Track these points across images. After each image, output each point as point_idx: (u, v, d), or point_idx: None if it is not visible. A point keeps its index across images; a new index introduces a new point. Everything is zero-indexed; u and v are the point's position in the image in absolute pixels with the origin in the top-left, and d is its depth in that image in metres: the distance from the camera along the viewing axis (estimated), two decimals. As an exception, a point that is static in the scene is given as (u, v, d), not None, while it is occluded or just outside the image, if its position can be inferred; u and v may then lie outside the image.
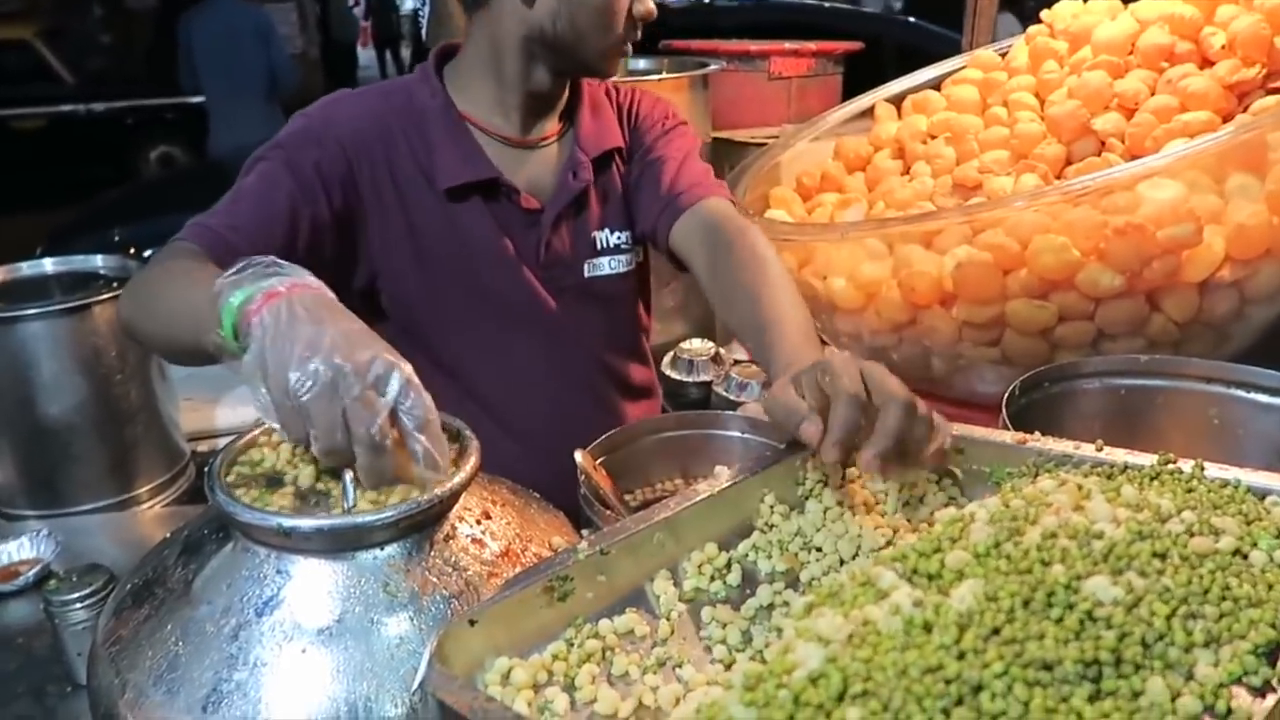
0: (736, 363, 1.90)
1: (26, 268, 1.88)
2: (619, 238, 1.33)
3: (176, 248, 1.09)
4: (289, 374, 0.73)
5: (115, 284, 1.75)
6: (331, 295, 0.82)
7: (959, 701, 0.48)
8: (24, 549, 1.33)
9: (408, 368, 0.77)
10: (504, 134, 1.26)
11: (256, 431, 0.89)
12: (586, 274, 1.31)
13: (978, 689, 0.48)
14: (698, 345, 1.93)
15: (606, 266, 1.33)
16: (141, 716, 0.73)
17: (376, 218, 1.21)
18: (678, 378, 1.87)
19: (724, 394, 1.79)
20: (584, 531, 1.00)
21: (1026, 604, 0.54)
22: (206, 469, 0.83)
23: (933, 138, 1.77)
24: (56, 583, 1.08)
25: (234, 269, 0.82)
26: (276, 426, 0.78)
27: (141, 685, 0.74)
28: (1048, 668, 0.49)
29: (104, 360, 1.67)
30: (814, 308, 1.63)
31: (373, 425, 0.73)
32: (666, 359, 1.92)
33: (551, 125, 1.30)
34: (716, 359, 1.91)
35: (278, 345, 0.75)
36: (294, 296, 0.78)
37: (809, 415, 0.79)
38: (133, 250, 2.00)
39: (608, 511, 1.01)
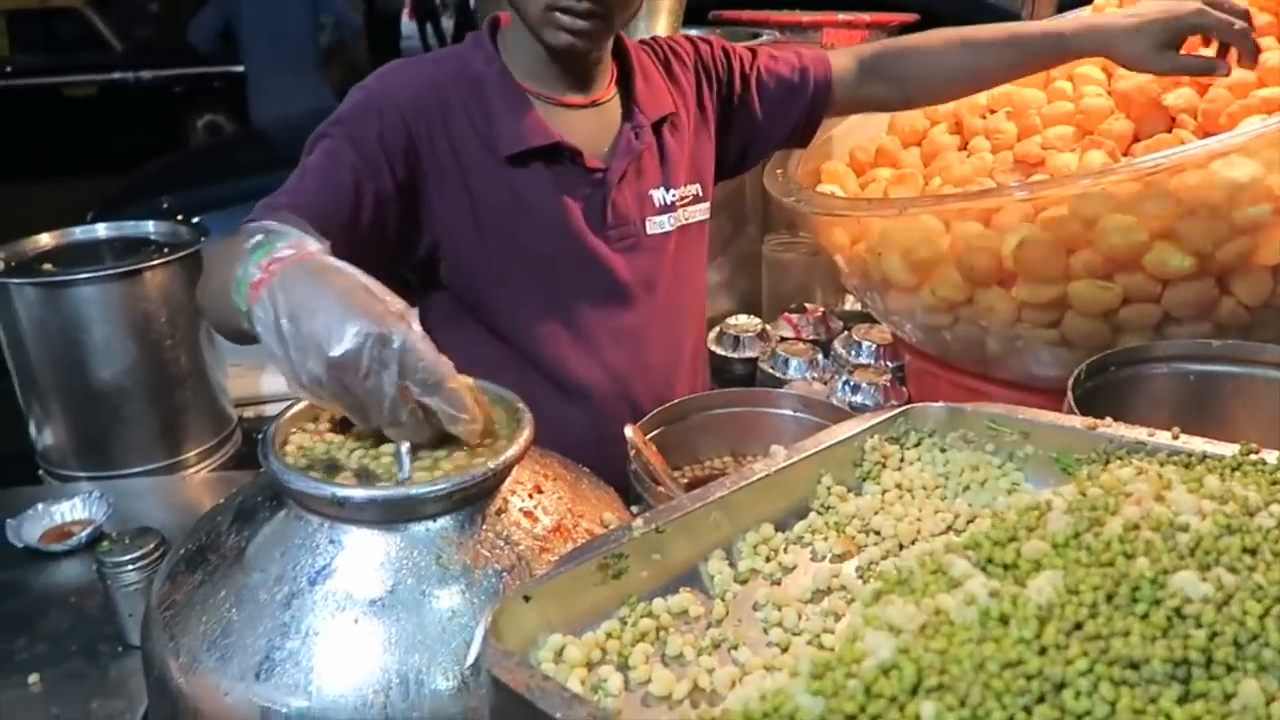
0: (783, 340, 1.87)
1: (79, 233, 1.89)
2: (672, 195, 1.33)
3: (242, 230, 1.08)
4: (299, 375, 0.77)
5: (166, 249, 1.76)
6: (315, 257, 0.82)
7: (1040, 699, 0.46)
8: (76, 510, 1.35)
9: (401, 335, 0.76)
10: (558, 97, 1.26)
11: (308, 403, 0.89)
12: (649, 231, 1.31)
13: (1060, 686, 0.46)
14: (744, 321, 1.91)
15: (666, 224, 1.33)
16: (195, 681, 0.74)
17: (437, 186, 1.20)
18: (723, 353, 1.85)
19: (770, 370, 1.77)
20: (633, 508, 0.98)
21: (1110, 598, 0.51)
22: (260, 437, 0.83)
23: (992, 112, 1.72)
24: (109, 544, 1.09)
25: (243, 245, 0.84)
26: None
27: (195, 650, 0.74)
28: (1134, 666, 0.47)
29: (154, 325, 1.68)
30: (866, 285, 1.60)
31: (383, 408, 0.76)
32: (712, 334, 1.90)
33: (602, 87, 1.30)
34: (763, 335, 1.88)
35: (277, 340, 0.77)
36: (274, 282, 0.79)
37: None
38: (180, 217, 2.01)
39: (659, 488, 1.00)
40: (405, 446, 0.77)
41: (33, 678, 1.03)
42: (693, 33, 2.56)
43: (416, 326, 0.78)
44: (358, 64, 7.06)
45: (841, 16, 2.91)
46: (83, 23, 7.73)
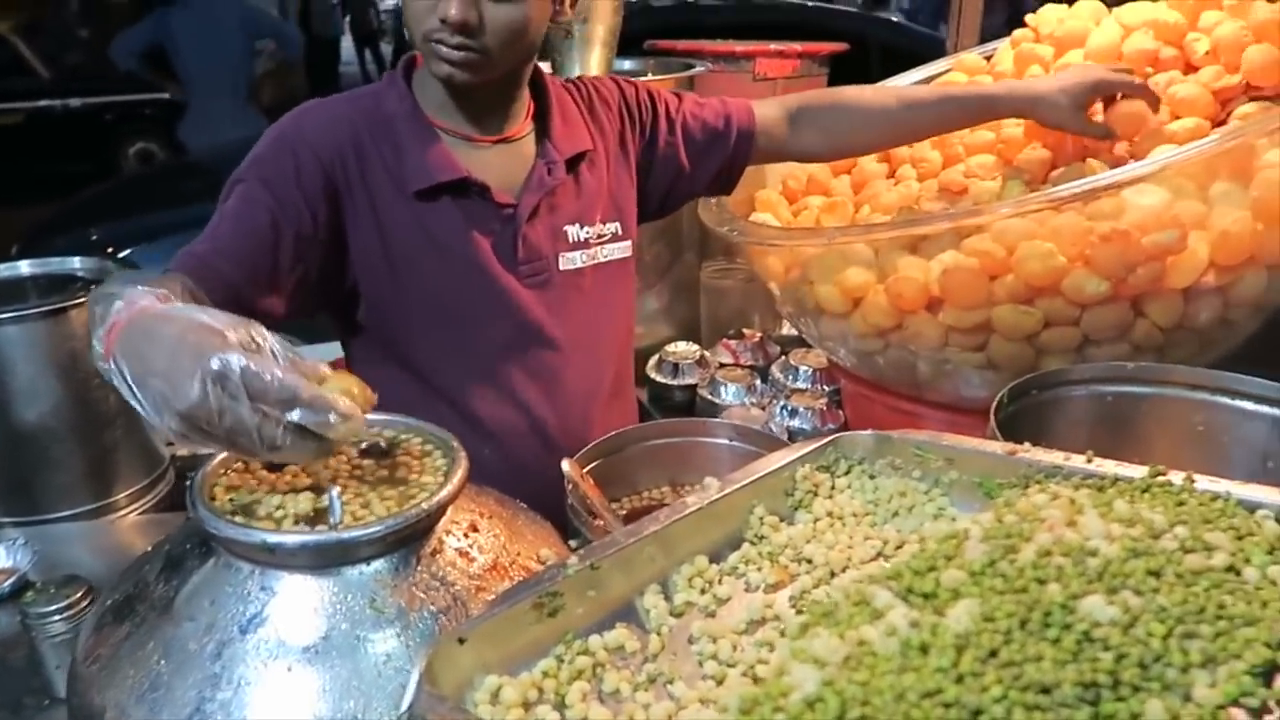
0: (722, 366, 1.89)
1: (2, 270, 1.84)
2: (586, 232, 1.34)
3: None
4: (166, 430, 0.77)
5: (93, 286, 1.72)
6: (147, 312, 0.82)
7: (957, 727, 0.47)
8: (0, 558, 1.31)
9: (237, 363, 0.74)
10: (468, 133, 1.26)
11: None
12: (561, 266, 1.31)
13: (977, 713, 0.48)
14: (683, 348, 1.93)
15: (579, 260, 1.33)
16: (123, 736, 0.72)
17: (353, 222, 1.21)
18: (662, 380, 1.87)
19: (709, 397, 1.79)
20: (572, 542, 0.99)
21: (1024, 624, 0.53)
22: (188, 484, 0.82)
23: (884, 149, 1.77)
24: (34, 594, 1.06)
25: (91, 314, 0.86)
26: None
27: (123, 704, 0.73)
28: (1046, 691, 0.49)
29: (81, 364, 1.64)
30: (800, 312, 1.63)
31: (254, 440, 0.74)
32: (651, 362, 1.91)
33: (516, 124, 1.30)
34: (702, 362, 1.90)
35: (136, 403, 0.79)
36: (115, 350, 0.80)
37: None
38: (110, 250, 1.96)
39: (596, 521, 1.00)
40: (335, 490, 0.77)
41: (-47, 735, 1.00)
42: (626, 64, 2.60)
43: (266, 343, 0.77)
44: (295, 90, 6.98)
45: (773, 46, 2.97)
46: (8, 49, 7.54)
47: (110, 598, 0.82)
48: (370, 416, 0.94)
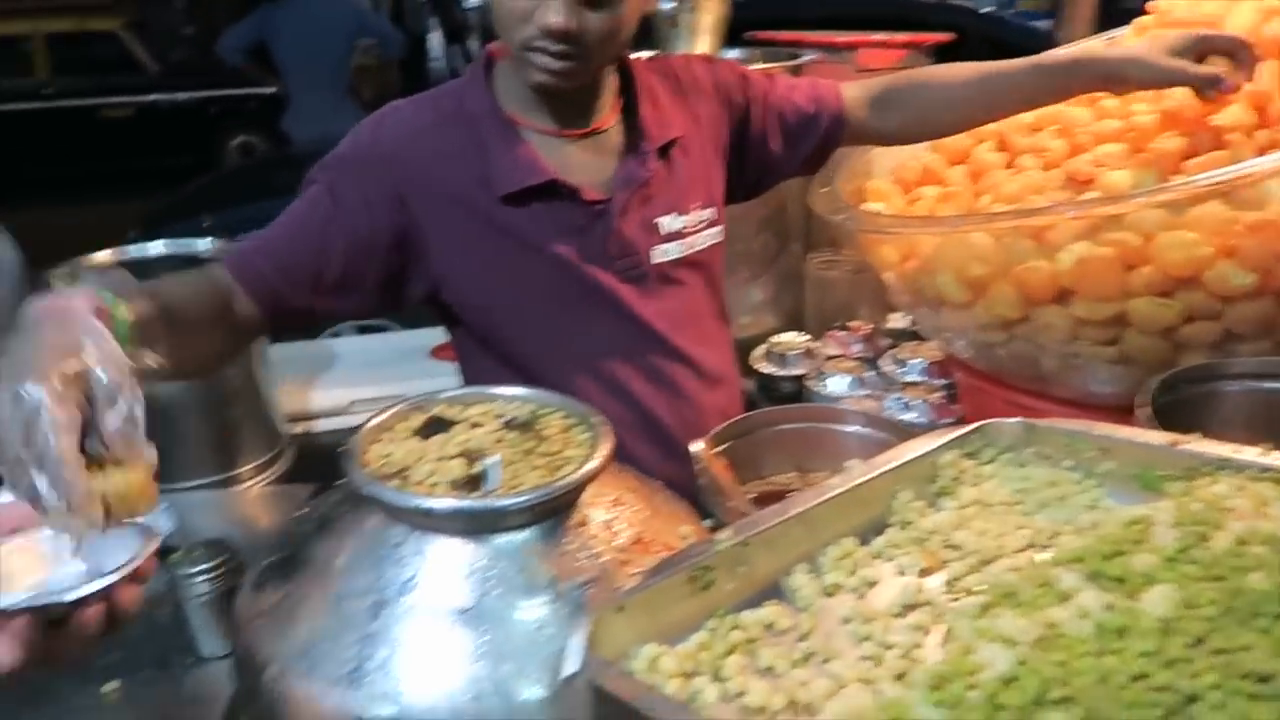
0: (830, 357, 1.87)
1: (134, 250, 1.93)
2: (681, 221, 1.31)
3: (204, 273, 1.15)
4: None
5: (220, 267, 1.79)
6: (60, 305, 0.79)
7: (1172, 712, 0.46)
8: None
9: (35, 396, 0.68)
10: (553, 129, 1.24)
11: (389, 413, 0.90)
12: (654, 260, 1.29)
13: (1190, 699, 0.46)
14: (790, 338, 1.91)
15: (675, 252, 1.31)
16: (286, 690, 0.75)
17: (435, 231, 1.20)
18: (770, 371, 1.86)
19: (816, 389, 1.77)
20: (706, 522, 0.99)
21: (1228, 612, 0.51)
22: (343, 449, 0.84)
23: (1037, 130, 1.72)
24: (181, 556, 1.11)
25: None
26: None
27: (286, 660, 0.75)
28: (1264, 680, 0.47)
29: (210, 341, 1.71)
30: (917, 303, 1.60)
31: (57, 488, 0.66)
32: (758, 352, 1.90)
33: (602, 115, 1.27)
34: (809, 353, 1.88)
35: None
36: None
37: None
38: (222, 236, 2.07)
39: (729, 503, 1.00)
40: (496, 458, 0.78)
41: (109, 686, 1.04)
42: (733, 54, 2.58)
43: (101, 393, 0.71)
44: (390, 85, 7.14)
45: (877, 37, 2.92)
46: (119, 45, 7.88)
47: (270, 557, 0.85)
48: (510, 391, 0.96)
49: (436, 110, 1.24)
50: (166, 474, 1.70)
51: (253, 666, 0.77)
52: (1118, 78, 1.35)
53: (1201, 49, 1.30)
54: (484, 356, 1.29)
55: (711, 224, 1.34)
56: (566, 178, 1.21)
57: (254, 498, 1.66)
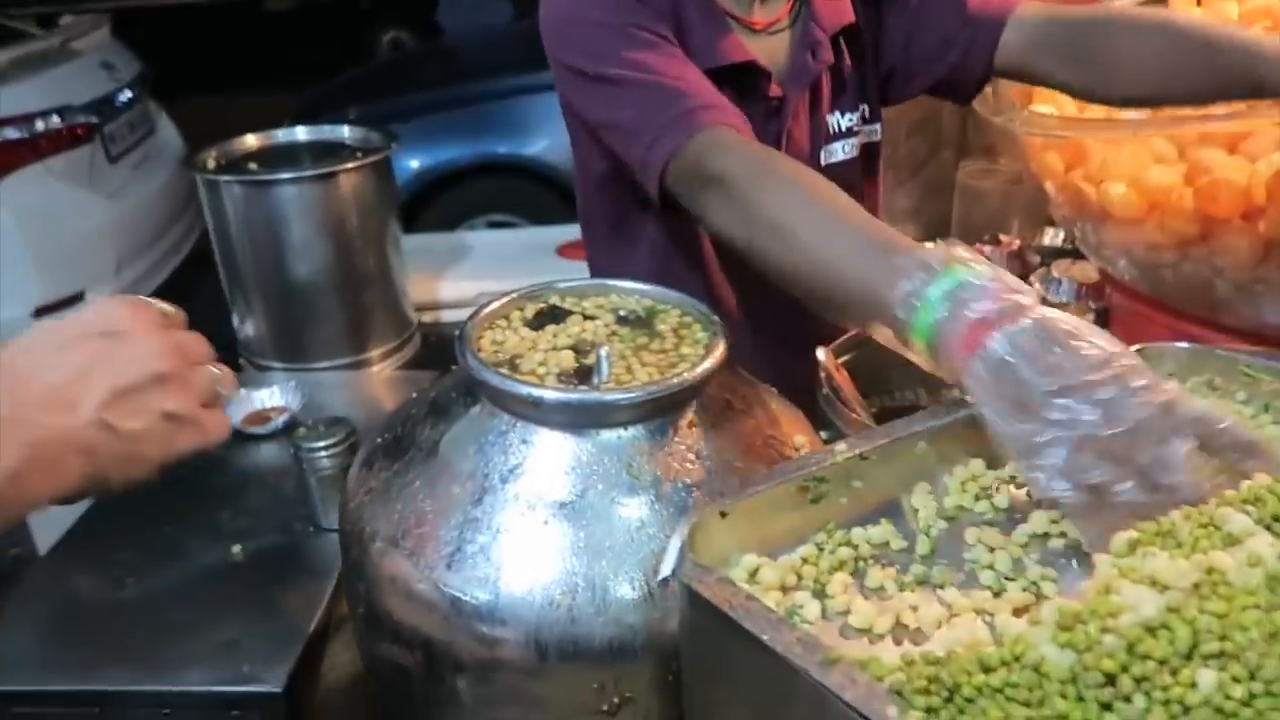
0: (974, 271, 1.75)
1: (281, 135, 1.98)
2: (849, 120, 1.24)
3: (721, 139, 0.99)
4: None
5: (359, 154, 1.81)
6: (1042, 315, 0.66)
7: (1349, 680, 0.39)
8: (274, 397, 1.42)
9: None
10: (746, 17, 1.17)
11: (504, 301, 0.88)
12: (823, 161, 1.23)
13: (1374, 668, 0.39)
14: (932, 249, 1.80)
15: (840, 152, 1.24)
16: (389, 565, 0.75)
17: None
18: (908, 285, 1.76)
19: (958, 306, 1.66)
20: (822, 434, 0.94)
21: None
22: (458, 333, 0.83)
23: (1245, 24, 1.52)
24: (305, 431, 1.14)
25: (905, 269, 0.71)
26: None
27: (391, 536, 0.76)
28: None
29: (346, 226, 1.75)
30: (1080, 216, 1.46)
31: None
32: (896, 264, 1.80)
33: (780, 6, 1.20)
34: (952, 267, 1.77)
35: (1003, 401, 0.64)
36: (998, 343, 0.64)
37: None
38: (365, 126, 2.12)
39: (851, 414, 0.94)
40: (605, 350, 0.75)
41: (236, 548, 1.10)
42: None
43: None
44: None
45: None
46: (279, -60, 8.05)
47: (381, 436, 0.85)
48: (628, 284, 0.92)
49: None
50: (302, 354, 1.79)
51: (358, 541, 0.78)
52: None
53: None
54: (615, 240, 1.25)
55: (866, 120, 1.27)
56: (763, 63, 1.15)
57: (381, 381, 1.71)
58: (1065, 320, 0.65)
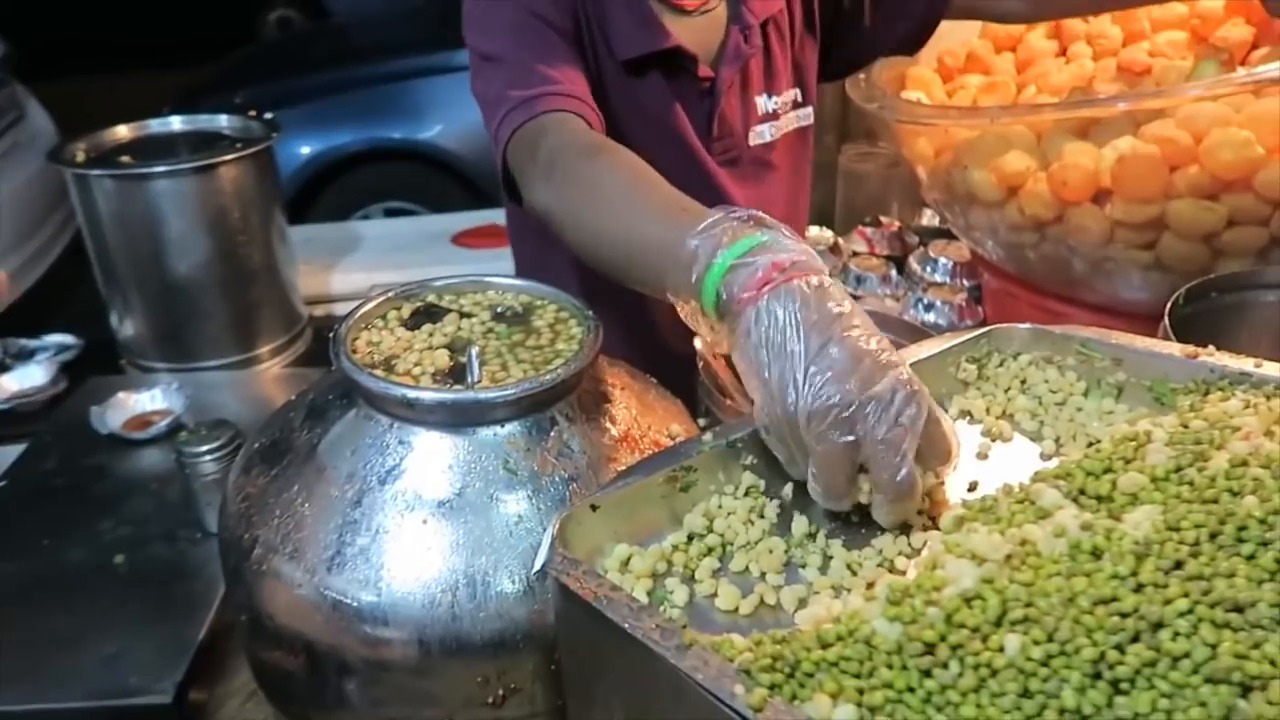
0: (855, 254, 1.82)
1: (155, 125, 1.91)
2: (775, 102, 1.27)
3: (565, 123, 1.00)
4: (800, 403, 0.63)
5: (239, 144, 1.76)
6: (830, 281, 0.69)
7: (1135, 638, 0.43)
8: (156, 400, 1.39)
9: (925, 393, 0.64)
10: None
11: (379, 300, 0.89)
12: (751, 142, 1.25)
13: (1157, 626, 0.44)
14: (816, 233, 1.85)
15: (767, 134, 1.27)
16: (269, 570, 0.76)
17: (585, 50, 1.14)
18: (794, 267, 1.80)
19: (841, 285, 1.72)
20: (700, 421, 0.97)
21: (1213, 537, 0.49)
22: (332, 335, 0.83)
23: (1095, 15, 1.61)
24: (188, 435, 1.12)
25: (706, 223, 0.72)
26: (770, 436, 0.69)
27: (270, 542, 0.76)
28: (1238, 609, 0.44)
29: (228, 220, 1.70)
30: (948, 199, 1.53)
31: (900, 471, 0.61)
32: (783, 246, 1.84)
33: None
34: (835, 249, 1.83)
35: (777, 353, 0.65)
36: (793, 287, 0.66)
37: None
38: (254, 112, 2.02)
39: (727, 401, 0.98)
40: (475, 350, 0.77)
41: (118, 557, 1.07)
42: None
43: None
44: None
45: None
46: (156, -87, 7.66)
47: (258, 441, 0.85)
48: (505, 281, 0.93)
49: None
50: (185, 353, 1.74)
51: (238, 548, 0.78)
52: None
53: None
54: (525, 233, 1.25)
55: (797, 104, 1.29)
56: (688, 48, 1.16)
57: (270, 378, 1.68)
58: (839, 294, 0.68)
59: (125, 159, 1.72)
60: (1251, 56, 1.39)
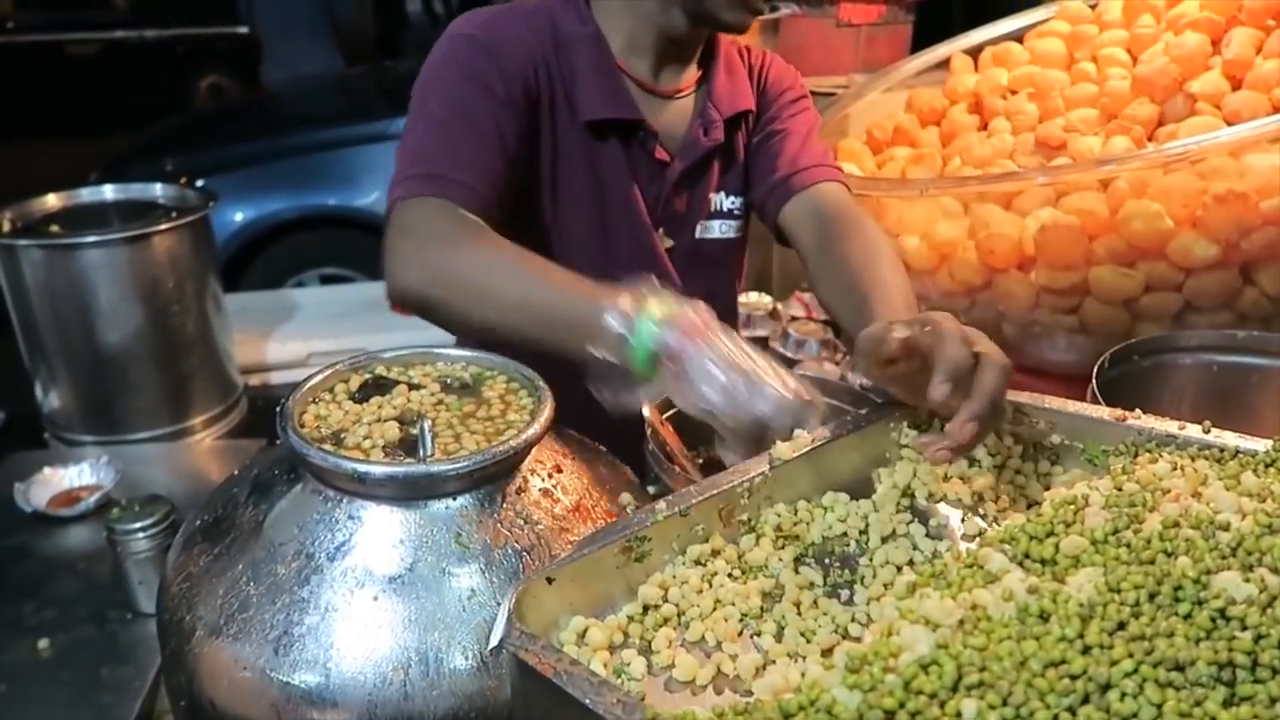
0: (794, 319, 1.86)
1: (86, 194, 1.87)
2: (732, 202, 1.29)
3: (441, 208, 1.02)
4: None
5: (174, 213, 1.74)
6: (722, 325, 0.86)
7: (1085, 699, 0.45)
8: (84, 475, 1.35)
9: (815, 413, 0.82)
10: (648, 82, 1.21)
11: (327, 373, 0.88)
12: (698, 234, 1.27)
13: (1105, 687, 0.45)
14: (754, 299, 1.89)
15: (717, 230, 1.28)
16: (213, 653, 0.73)
17: (537, 139, 1.16)
18: (734, 332, 1.84)
19: (781, 350, 1.76)
20: (650, 488, 0.98)
21: (1152, 598, 0.51)
22: (279, 409, 0.82)
23: (1013, 93, 1.70)
24: (119, 511, 1.09)
25: (629, 293, 0.85)
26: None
27: (212, 623, 0.74)
28: (1179, 668, 0.46)
29: (161, 290, 1.67)
30: (882, 266, 1.59)
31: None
32: (723, 312, 1.88)
33: (686, 78, 1.24)
34: (774, 314, 1.87)
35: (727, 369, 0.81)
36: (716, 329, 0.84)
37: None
38: (185, 180, 1.99)
39: (675, 469, 0.98)
40: (427, 423, 0.76)
41: (42, 643, 1.03)
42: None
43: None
44: (365, 30, 6.96)
45: (858, -9, 2.86)
46: (86, -21, 7.64)
47: (200, 517, 0.83)
48: (454, 352, 0.93)
49: (529, 22, 1.17)
50: (115, 426, 1.69)
51: (179, 630, 0.75)
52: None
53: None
54: None
55: (738, 214, 1.30)
56: (652, 125, 1.19)
57: (204, 450, 1.64)
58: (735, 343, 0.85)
59: (54, 228, 1.69)
60: (1158, 133, 1.48)
